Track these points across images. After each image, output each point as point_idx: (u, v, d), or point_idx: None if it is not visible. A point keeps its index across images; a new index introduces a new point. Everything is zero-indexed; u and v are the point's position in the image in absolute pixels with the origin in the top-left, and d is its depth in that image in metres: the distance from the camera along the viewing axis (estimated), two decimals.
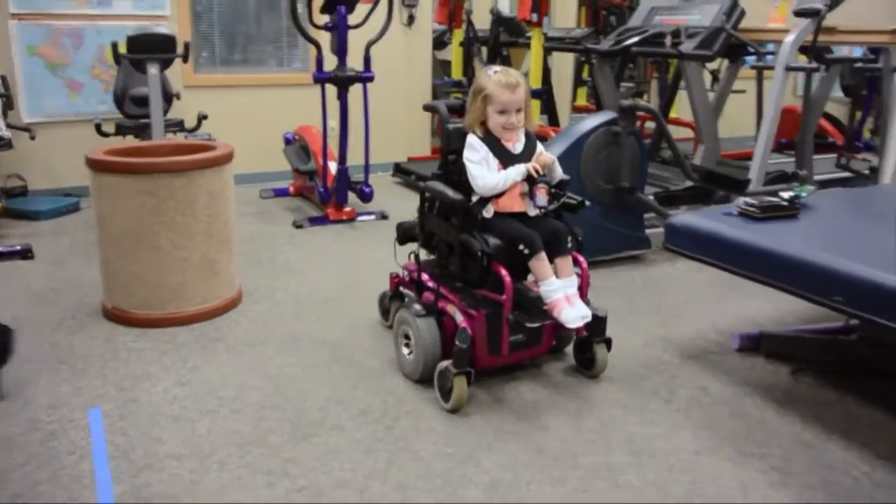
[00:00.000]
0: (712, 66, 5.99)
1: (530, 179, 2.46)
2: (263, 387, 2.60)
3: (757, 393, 2.61)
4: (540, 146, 2.61)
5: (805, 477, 2.13)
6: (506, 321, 2.45)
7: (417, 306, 2.61)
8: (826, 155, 5.91)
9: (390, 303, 3.05)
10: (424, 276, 2.76)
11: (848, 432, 2.36)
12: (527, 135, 2.58)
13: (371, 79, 4.56)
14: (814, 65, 4.89)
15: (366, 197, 4.68)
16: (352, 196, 4.74)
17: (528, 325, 2.46)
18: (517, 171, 2.46)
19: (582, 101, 7.23)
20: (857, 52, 6.59)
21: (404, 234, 2.88)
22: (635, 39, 4.45)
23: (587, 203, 2.67)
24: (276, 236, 4.40)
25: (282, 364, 2.77)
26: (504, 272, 2.40)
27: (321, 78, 4.46)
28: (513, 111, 2.46)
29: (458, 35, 6.93)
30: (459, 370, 2.39)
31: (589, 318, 2.46)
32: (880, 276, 2.16)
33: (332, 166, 4.68)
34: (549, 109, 6.53)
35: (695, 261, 2.67)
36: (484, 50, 7.06)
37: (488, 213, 2.50)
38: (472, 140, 2.50)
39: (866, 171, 5.42)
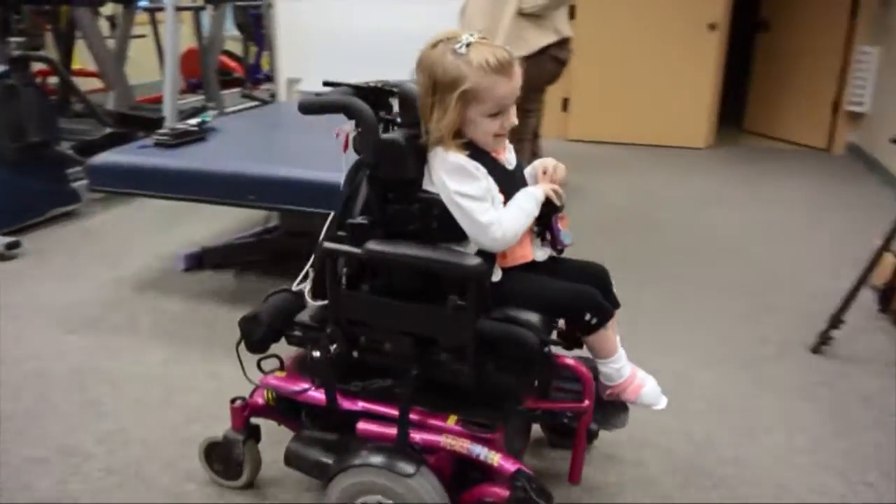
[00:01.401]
0: (108, 11, 5.90)
1: (550, 208, 1.58)
2: None
3: (210, 300, 2.89)
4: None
5: None
6: (583, 434, 1.68)
7: (399, 461, 1.51)
8: (233, 89, 6.44)
9: (245, 449, 1.83)
10: (345, 398, 1.63)
11: None
12: None
13: None
14: (200, 4, 5.24)
15: None
16: None
17: (614, 429, 1.74)
18: (534, 200, 1.54)
19: None
20: None
21: (271, 333, 1.67)
22: None
23: None
24: None
25: None
26: (584, 369, 1.60)
27: None
28: (509, 108, 1.51)
29: None
30: None
31: None
32: (281, 171, 2.60)
33: None
34: None
35: (123, 195, 2.78)
36: None
37: (496, 275, 1.55)
38: (462, 161, 1.48)
39: (269, 99, 6.10)
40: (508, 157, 1.58)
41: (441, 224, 1.50)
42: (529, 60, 2.82)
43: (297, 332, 1.66)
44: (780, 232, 3.87)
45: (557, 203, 1.57)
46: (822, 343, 2.54)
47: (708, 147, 5.98)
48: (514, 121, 1.51)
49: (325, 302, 1.59)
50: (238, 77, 6.91)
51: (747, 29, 6.45)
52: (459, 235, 1.49)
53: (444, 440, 1.53)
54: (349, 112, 1.53)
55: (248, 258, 3.23)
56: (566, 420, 1.66)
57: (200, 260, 3.20)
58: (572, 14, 5.81)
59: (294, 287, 1.70)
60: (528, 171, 1.65)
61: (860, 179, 5.03)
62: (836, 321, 2.54)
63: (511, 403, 1.61)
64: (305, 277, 1.69)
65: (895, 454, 2.03)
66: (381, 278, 1.55)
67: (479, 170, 1.48)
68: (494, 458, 1.51)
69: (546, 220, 1.58)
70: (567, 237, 1.60)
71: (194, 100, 5.72)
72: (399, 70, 4.11)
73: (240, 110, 5.77)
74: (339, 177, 2.58)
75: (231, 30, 7.05)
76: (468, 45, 1.44)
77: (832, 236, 3.78)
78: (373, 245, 1.48)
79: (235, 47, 7.29)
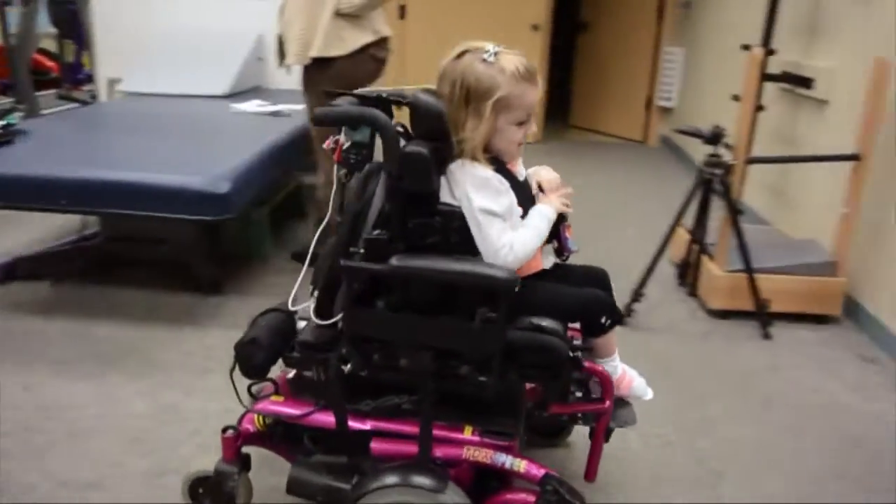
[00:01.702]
0: None
1: (558, 218, 1.60)
2: None
3: (24, 312, 2.74)
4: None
5: (89, 362, 2.42)
6: (602, 434, 1.72)
7: (425, 478, 1.48)
8: (51, 90, 6.06)
9: (240, 481, 1.69)
10: (354, 418, 1.56)
11: (110, 311, 2.75)
12: None
13: None
14: None
15: None
16: None
17: (626, 426, 1.77)
18: (548, 221, 1.55)
19: None
20: None
21: (271, 356, 1.57)
22: None
23: None
24: None
25: None
26: (602, 370, 1.66)
27: None
28: (532, 116, 1.53)
29: None
30: None
31: None
32: (96, 173, 2.52)
33: None
34: None
35: None
36: None
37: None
38: (489, 176, 1.46)
39: (90, 99, 5.78)
40: (520, 170, 1.60)
41: (461, 237, 1.46)
42: (348, 60, 2.89)
43: (295, 354, 1.57)
44: (599, 217, 4.17)
45: (566, 213, 1.61)
46: (625, 315, 2.78)
47: (536, 142, 6.28)
48: (535, 129, 1.54)
49: (330, 321, 1.52)
50: (56, 77, 6.50)
51: (569, 29, 6.86)
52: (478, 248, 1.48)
53: (467, 452, 1.52)
54: (369, 123, 1.43)
55: (65, 267, 3.08)
56: (579, 421, 1.75)
57: (13, 270, 3.01)
58: (402, 14, 5.96)
59: (290, 306, 1.61)
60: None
61: (671, 167, 5.50)
62: (636, 295, 2.79)
63: (540, 410, 1.65)
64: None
65: (690, 411, 2.29)
66: (395, 293, 1.48)
67: (503, 184, 1.48)
68: (521, 465, 1.51)
69: (554, 230, 1.60)
70: (574, 245, 1.64)
71: (4, 101, 5.34)
72: (220, 69, 4.06)
73: (56, 112, 5.45)
74: (161, 178, 2.53)
75: (49, 26, 6.63)
76: (496, 53, 1.44)
77: (645, 219, 4.11)
78: (399, 260, 1.41)
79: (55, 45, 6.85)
